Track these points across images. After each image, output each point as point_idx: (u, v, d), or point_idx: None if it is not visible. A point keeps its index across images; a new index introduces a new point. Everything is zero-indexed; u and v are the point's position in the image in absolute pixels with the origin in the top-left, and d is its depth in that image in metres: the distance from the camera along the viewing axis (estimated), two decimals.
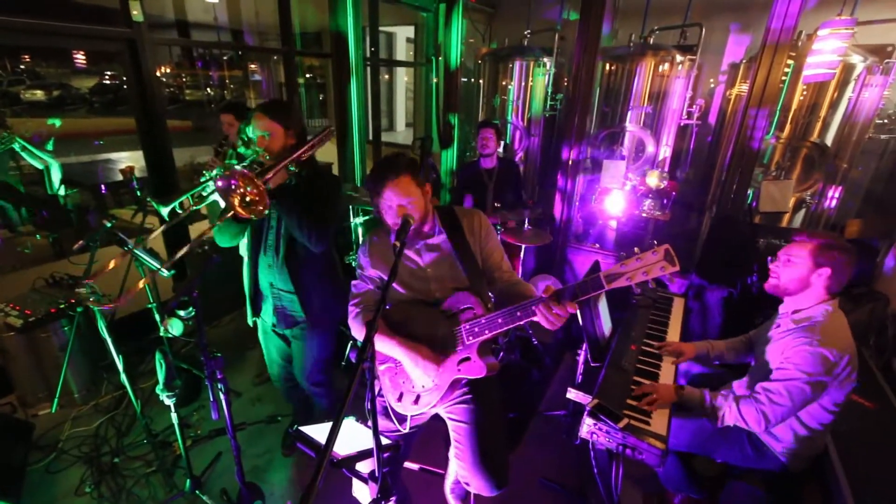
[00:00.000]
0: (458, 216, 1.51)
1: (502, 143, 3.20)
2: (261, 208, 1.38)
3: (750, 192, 3.42)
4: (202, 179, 1.61)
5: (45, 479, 2.08)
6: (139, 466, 2.15)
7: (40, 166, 3.80)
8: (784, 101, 3.23)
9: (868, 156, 3.56)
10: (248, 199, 1.37)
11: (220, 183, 1.35)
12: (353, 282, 1.57)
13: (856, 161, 3.42)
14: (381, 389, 1.55)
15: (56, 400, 2.38)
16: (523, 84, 4.24)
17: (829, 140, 3.26)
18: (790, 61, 3.01)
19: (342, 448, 1.11)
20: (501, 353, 2.93)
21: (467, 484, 1.51)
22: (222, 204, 1.51)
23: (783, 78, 2.88)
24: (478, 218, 1.53)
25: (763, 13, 2.69)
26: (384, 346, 1.43)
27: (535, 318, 1.23)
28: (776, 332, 1.61)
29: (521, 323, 1.26)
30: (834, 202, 3.45)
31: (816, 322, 1.48)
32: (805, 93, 3.15)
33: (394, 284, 1.46)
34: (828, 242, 1.51)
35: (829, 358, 1.39)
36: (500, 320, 1.28)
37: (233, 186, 1.34)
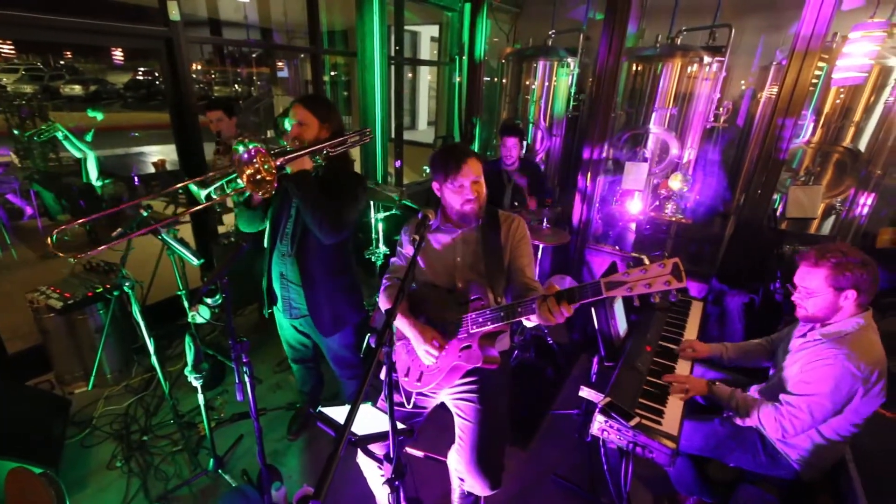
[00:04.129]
0: (499, 217, 1.59)
1: (524, 144, 3.21)
2: (268, 189, 1.44)
3: (777, 197, 3.34)
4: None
5: (81, 452, 2.20)
6: (166, 445, 2.25)
7: (79, 156, 4.00)
8: (816, 105, 3.15)
9: None
10: (258, 176, 1.43)
11: (244, 156, 1.41)
12: (392, 258, 1.70)
13: (890, 167, 3.30)
14: (394, 363, 1.62)
15: (92, 378, 2.52)
16: (546, 84, 4.23)
17: (862, 145, 3.17)
18: (822, 64, 2.93)
19: (359, 430, 1.16)
20: (516, 353, 2.95)
21: (462, 480, 1.56)
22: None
23: (814, 81, 2.81)
24: (517, 223, 1.60)
25: (796, 14, 2.63)
26: (400, 324, 1.51)
27: (533, 315, 1.24)
28: (802, 342, 1.57)
29: (522, 318, 1.29)
30: (866, 209, 3.35)
31: (846, 334, 1.43)
32: (842, 95, 3.06)
33: (422, 266, 1.58)
34: (839, 262, 1.39)
35: (856, 374, 1.34)
36: (502, 314, 1.32)
37: (253, 161, 1.41)
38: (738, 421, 1.58)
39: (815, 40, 2.43)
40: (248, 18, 8.59)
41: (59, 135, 3.84)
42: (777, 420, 1.46)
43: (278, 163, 1.45)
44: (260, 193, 1.46)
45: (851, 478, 1.51)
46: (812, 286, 1.46)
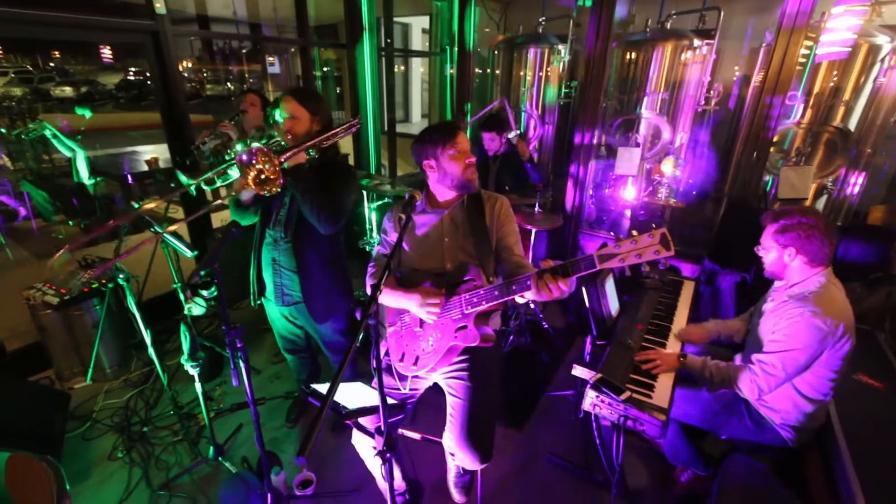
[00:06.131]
0: (482, 197, 1.60)
1: (510, 132, 3.18)
2: (273, 188, 1.45)
3: (769, 178, 3.36)
4: (227, 157, 1.69)
5: (82, 445, 2.22)
6: (166, 435, 2.28)
7: (69, 154, 3.98)
8: (806, 86, 3.16)
9: (893, 141, 3.46)
10: (263, 175, 1.44)
11: (243, 157, 1.42)
12: (376, 247, 1.72)
13: (880, 146, 3.33)
14: (387, 350, 1.65)
15: (91, 370, 2.53)
16: (538, 72, 4.23)
17: (852, 125, 3.18)
18: (810, 43, 2.94)
19: (351, 405, 1.18)
20: (511, 337, 2.97)
21: (452, 455, 1.58)
22: (236, 174, 1.60)
23: (802, 61, 2.81)
24: (500, 202, 1.61)
25: None
26: (392, 299, 1.52)
27: (528, 292, 1.27)
28: (772, 305, 1.63)
29: (516, 296, 1.31)
30: (857, 188, 3.37)
31: (810, 293, 1.50)
32: (836, 75, 3.06)
33: (409, 252, 1.57)
34: (784, 224, 1.52)
35: (822, 327, 1.41)
36: (496, 292, 1.34)
37: (253, 162, 1.42)
38: (714, 389, 1.63)
39: (801, 17, 2.44)
40: (236, 14, 8.54)
41: (48, 133, 3.83)
42: (753, 381, 1.52)
43: (282, 160, 1.45)
44: (266, 192, 1.46)
45: (839, 444, 1.54)
46: (765, 242, 1.60)
